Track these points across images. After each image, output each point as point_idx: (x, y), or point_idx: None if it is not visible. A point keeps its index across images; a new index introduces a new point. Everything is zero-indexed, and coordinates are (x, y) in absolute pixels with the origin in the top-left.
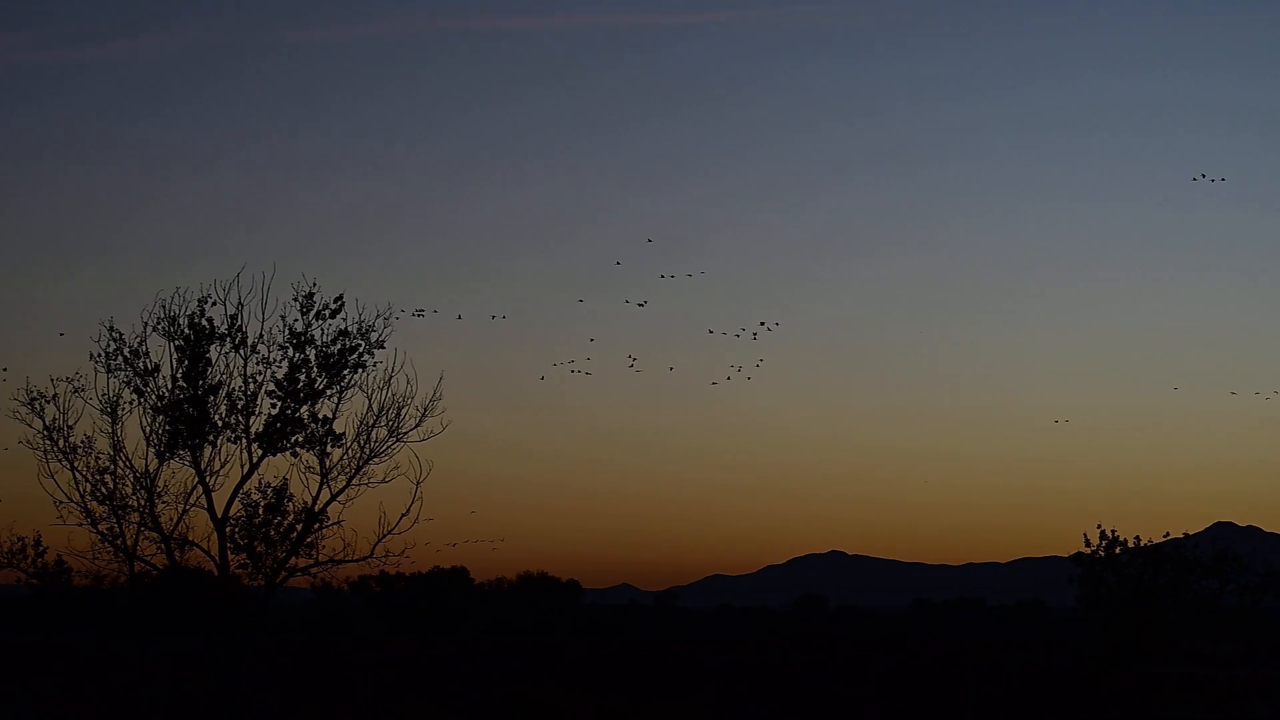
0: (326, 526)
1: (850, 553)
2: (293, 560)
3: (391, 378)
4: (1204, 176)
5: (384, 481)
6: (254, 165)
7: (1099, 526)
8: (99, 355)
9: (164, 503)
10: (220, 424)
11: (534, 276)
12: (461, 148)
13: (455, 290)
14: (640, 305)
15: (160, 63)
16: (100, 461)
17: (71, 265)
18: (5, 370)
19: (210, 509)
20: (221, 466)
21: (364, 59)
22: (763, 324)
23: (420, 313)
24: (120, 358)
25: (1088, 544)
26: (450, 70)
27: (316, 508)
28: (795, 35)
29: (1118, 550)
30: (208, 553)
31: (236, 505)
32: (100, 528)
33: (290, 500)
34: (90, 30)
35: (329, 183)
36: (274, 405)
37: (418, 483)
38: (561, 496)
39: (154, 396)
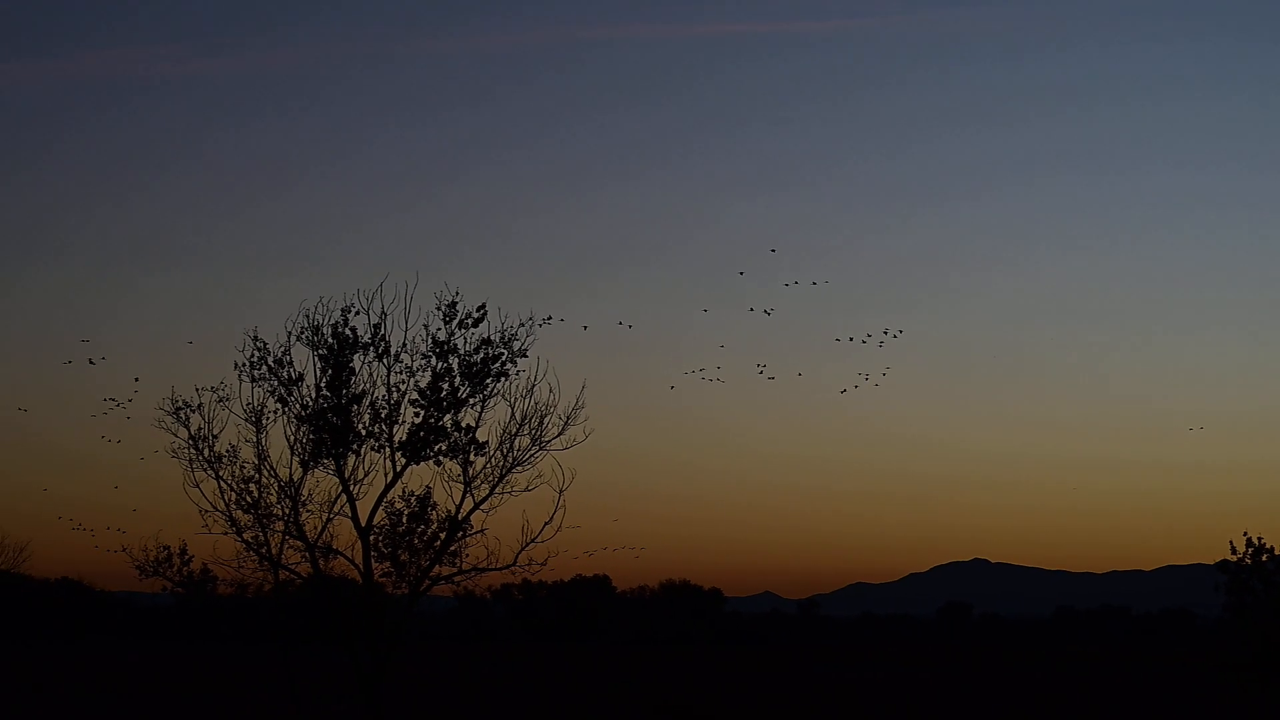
0: (470, 535)
1: (993, 560)
2: (436, 569)
3: (534, 386)
4: None
5: (527, 490)
6: (395, 174)
7: (1245, 533)
8: (243, 365)
9: (308, 511)
10: (364, 433)
11: (656, 285)
12: (584, 154)
13: (578, 297)
14: (767, 313)
15: (293, 71)
16: (245, 470)
17: (216, 274)
18: (138, 380)
19: (354, 517)
20: (365, 475)
21: (490, 67)
22: (886, 331)
23: (548, 320)
24: (264, 367)
25: (1233, 551)
26: (572, 78)
27: (460, 516)
28: (928, 41)
29: (1264, 558)
30: (352, 561)
31: (380, 514)
32: (245, 536)
33: (434, 509)
34: (222, 40)
35: (469, 190)
36: (417, 414)
37: (560, 491)
38: (701, 506)
39: (298, 405)
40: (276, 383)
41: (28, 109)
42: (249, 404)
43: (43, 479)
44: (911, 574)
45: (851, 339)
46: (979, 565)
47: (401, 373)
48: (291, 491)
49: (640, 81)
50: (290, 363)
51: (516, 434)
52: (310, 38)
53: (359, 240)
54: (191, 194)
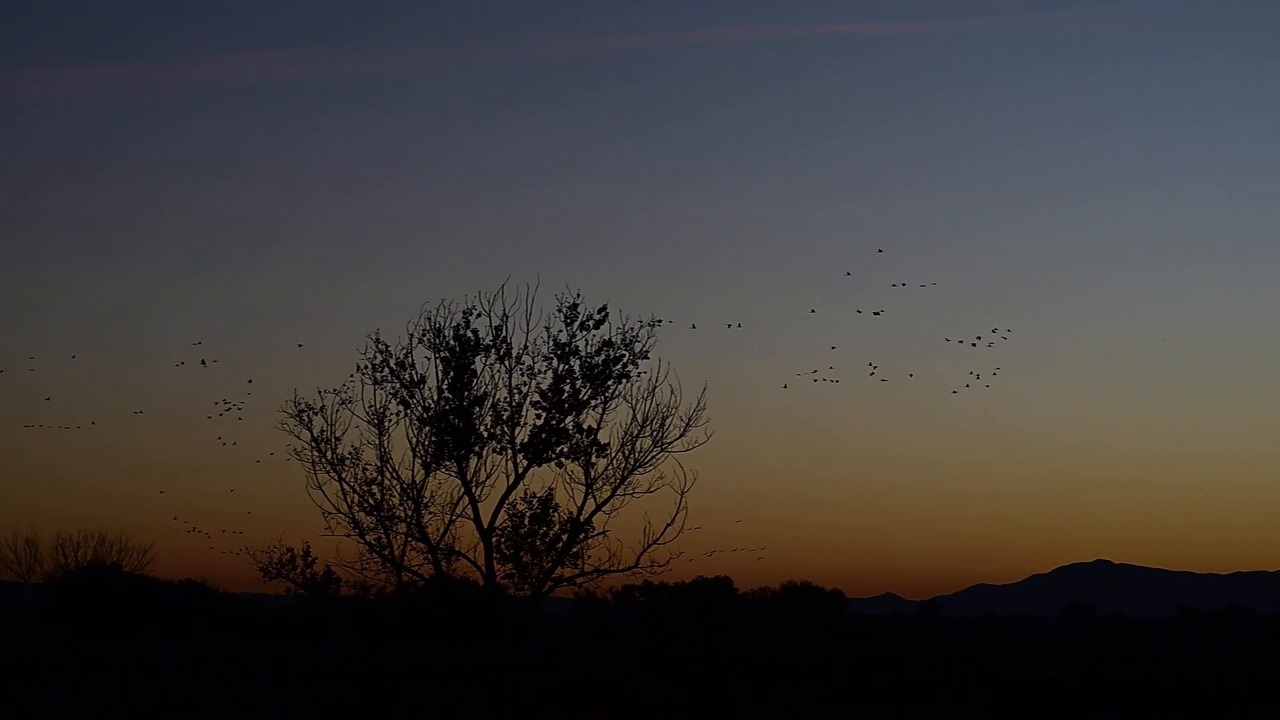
0: (592, 536)
1: (1116, 561)
2: (558, 570)
3: (655, 388)
4: None
5: (648, 491)
6: (515, 177)
7: None
8: (366, 367)
9: (430, 513)
10: (486, 435)
11: (763, 286)
12: (691, 153)
13: (685, 297)
14: (876, 314)
15: (405, 70)
16: (368, 472)
17: (337, 280)
18: (251, 381)
19: (476, 519)
20: (487, 477)
21: (599, 67)
22: (994, 330)
23: (658, 323)
24: (387, 369)
25: None
26: (680, 78)
27: (582, 518)
28: (1041, 41)
29: None
30: (474, 563)
31: (502, 516)
32: (368, 538)
33: (556, 510)
34: (371, 48)
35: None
36: (539, 416)
37: (682, 492)
38: (821, 508)
39: (420, 408)
40: (399, 385)
41: (140, 109)
42: (371, 406)
43: (159, 481)
44: (1034, 575)
45: (961, 340)
46: (1101, 566)
47: (523, 375)
48: (414, 493)
49: (747, 81)
50: (412, 365)
51: (638, 436)
52: (425, 36)
53: (480, 242)
54: (305, 194)
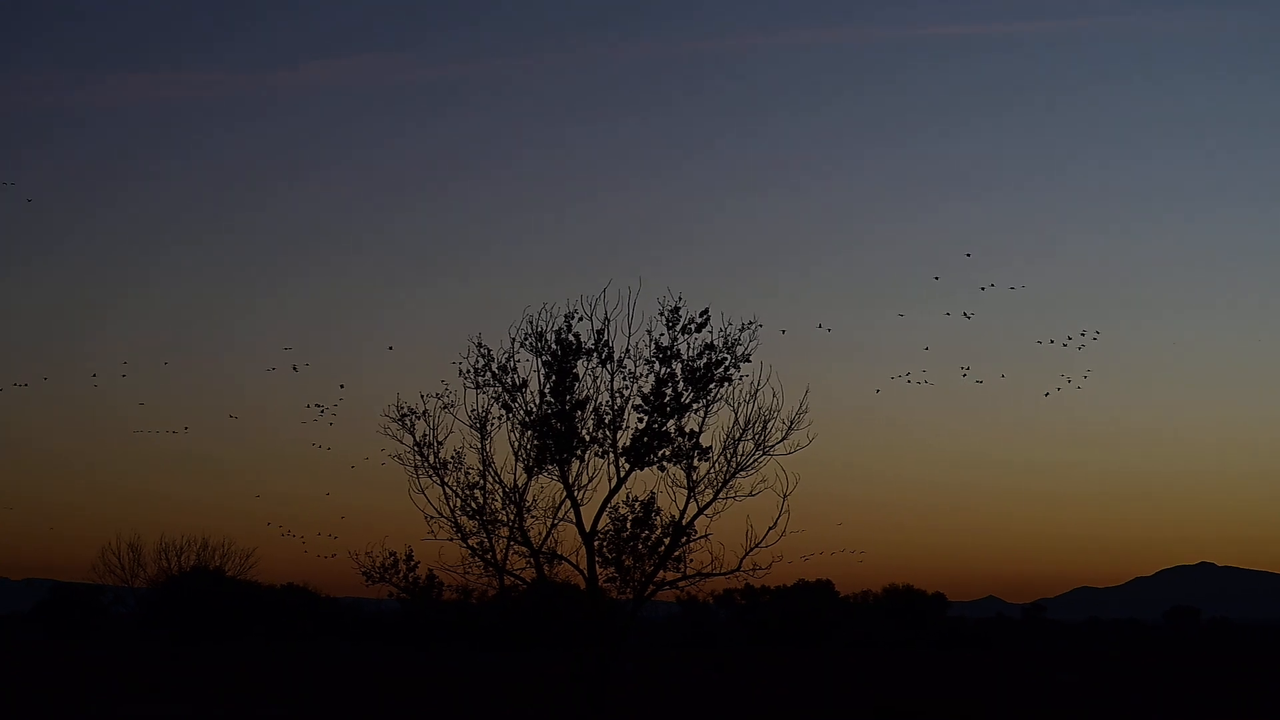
0: (694, 540)
1: (1220, 564)
2: (661, 574)
3: (757, 391)
4: None
5: (750, 495)
6: (614, 182)
7: None
8: (468, 371)
9: (533, 517)
10: (588, 438)
11: (850, 289)
12: (772, 155)
13: (773, 299)
14: (967, 316)
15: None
16: (470, 476)
17: (440, 281)
18: (343, 386)
19: (578, 523)
20: (589, 481)
21: (688, 68)
22: (1083, 333)
23: (751, 324)
24: (489, 374)
25: None
26: (771, 78)
27: (684, 521)
28: (1140, 44)
29: None
30: (576, 566)
31: (604, 519)
32: (471, 542)
33: (658, 514)
34: (461, 50)
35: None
36: (640, 420)
37: (784, 495)
38: (921, 512)
39: (522, 412)
40: (501, 389)
41: (228, 111)
42: (473, 410)
43: (255, 486)
44: (1137, 577)
45: (1053, 341)
46: (1205, 569)
47: (625, 378)
48: (516, 497)
49: (835, 83)
50: (514, 369)
51: (740, 439)
52: (520, 35)
53: (581, 245)
54: (395, 195)
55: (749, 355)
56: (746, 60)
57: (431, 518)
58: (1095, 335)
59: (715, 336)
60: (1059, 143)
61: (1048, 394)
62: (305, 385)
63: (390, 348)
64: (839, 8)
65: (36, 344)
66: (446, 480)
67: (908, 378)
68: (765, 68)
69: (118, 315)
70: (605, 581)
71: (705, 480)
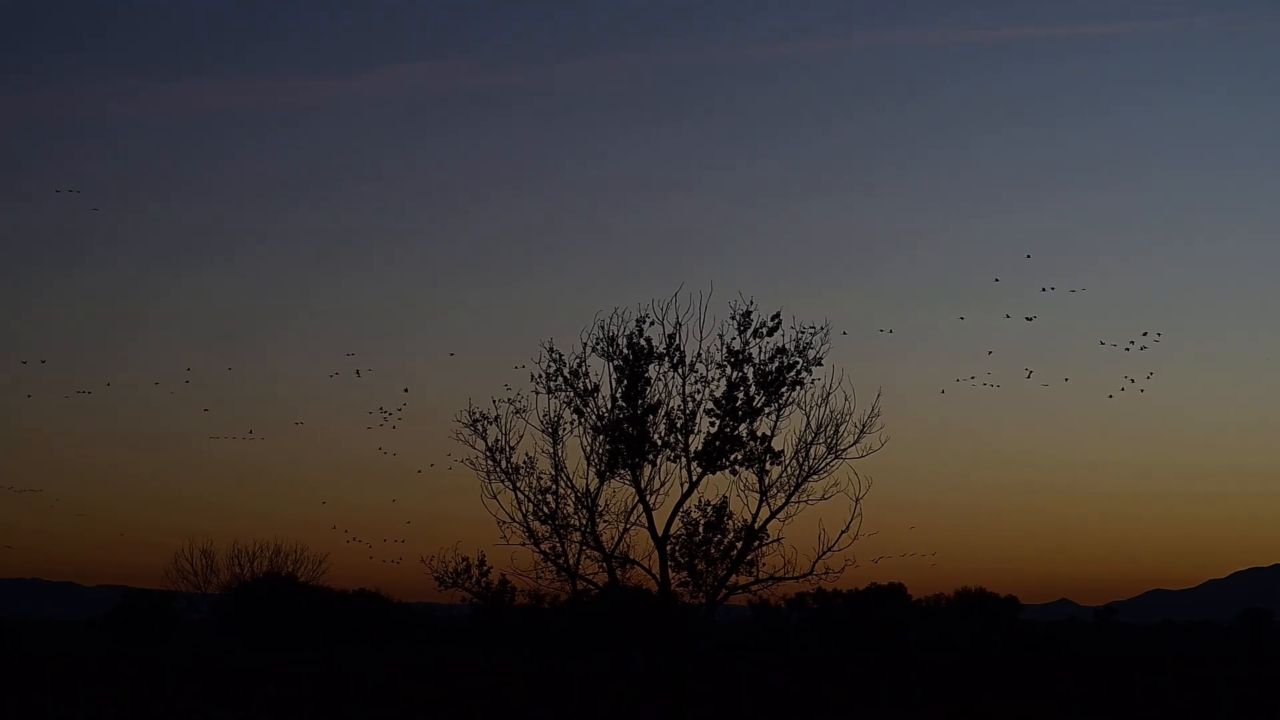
0: (766, 544)
1: None
2: (733, 578)
3: (829, 394)
4: None
5: (823, 499)
6: (685, 185)
7: None
8: (539, 376)
9: (605, 522)
10: (659, 443)
11: (910, 292)
12: (835, 157)
13: (831, 301)
14: (1029, 320)
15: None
16: (542, 481)
17: (509, 286)
18: (407, 390)
19: (650, 527)
20: (661, 485)
21: (750, 71)
22: (1145, 334)
23: (821, 328)
24: (560, 378)
25: None
26: (834, 80)
27: (756, 525)
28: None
29: None
30: (649, 571)
31: (677, 523)
32: (543, 547)
33: (730, 518)
34: (529, 53)
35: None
36: (713, 424)
37: (857, 499)
38: (994, 514)
39: (594, 416)
40: (572, 394)
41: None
42: (545, 415)
43: (321, 492)
44: (1210, 580)
45: (1115, 344)
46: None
47: (696, 382)
48: (588, 502)
49: (895, 84)
50: (586, 374)
51: (812, 442)
52: (590, 37)
53: (650, 250)
54: (458, 199)
55: (820, 359)
56: (815, 63)
57: (504, 523)
58: (1157, 337)
59: (787, 340)
60: (1120, 146)
61: (1111, 396)
62: (369, 391)
63: (451, 354)
64: (903, 11)
65: (99, 349)
66: (519, 485)
67: (972, 380)
68: (833, 70)
69: (179, 320)
70: (678, 586)
71: (777, 484)
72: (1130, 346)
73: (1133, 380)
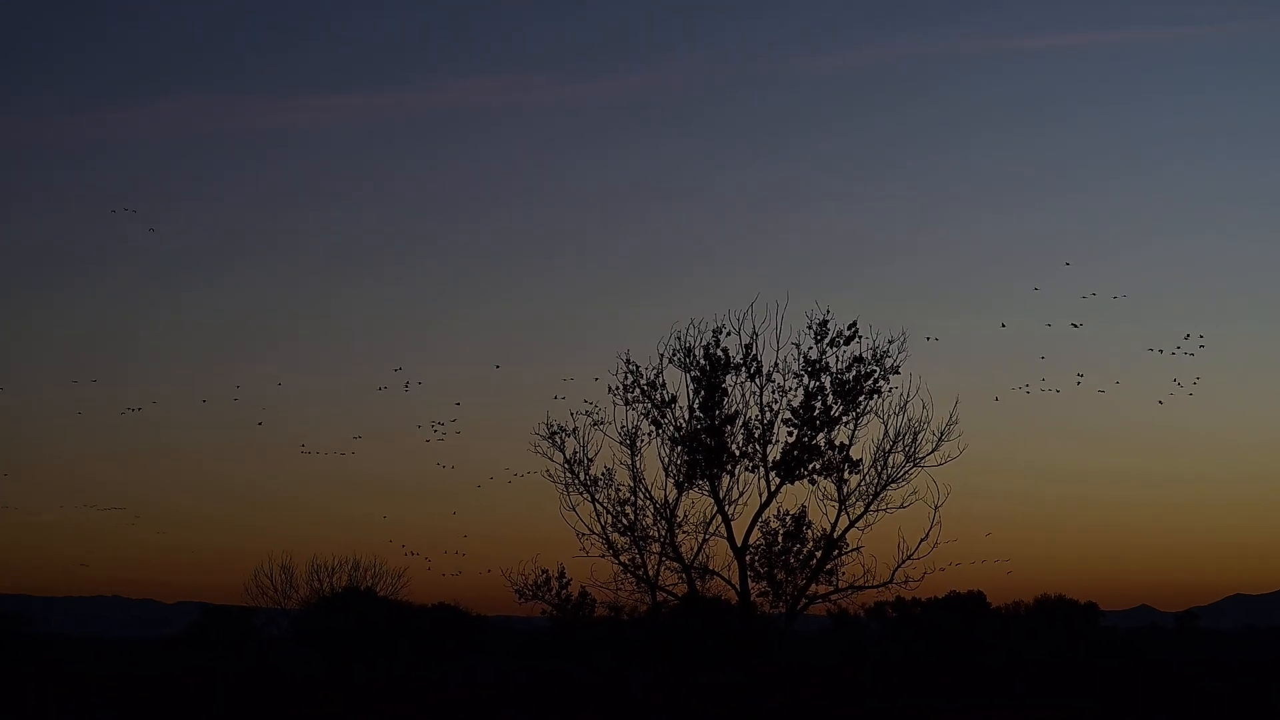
0: (845, 553)
1: None
2: (813, 587)
3: (907, 403)
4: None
5: (901, 507)
6: (755, 193)
7: None
8: (617, 388)
9: (684, 532)
10: (738, 453)
11: (950, 297)
12: (857, 157)
13: (871, 311)
14: (1075, 326)
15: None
16: (620, 493)
17: (589, 300)
18: (459, 404)
19: (729, 538)
20: (740, 495)
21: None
22: (1187, 337)
23: (899, 337)
24: (638, 390)
25: None
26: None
27: (835, 534)
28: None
29: None
30: (728, 581)
31: (756, 533)
32: (622, 558)
33: (809, 527)
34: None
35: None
36: (790, 433)
37: (936, 506)
38: (1073, 518)
39: (671, 428)
40: (650, 405)
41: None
42: (623, 427)
43: (381, 506)
44: None
45: (1161, 350)
46: None
47: (774, 392)
48: (667, 513)
49: (926, 92)
50: (663, 385)
51: (890, 451)
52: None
53: (728, 261)
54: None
55: (898, 367)
56: (866, 75)
57: (583, 534)
58: (1201, 341)
59: (864, 349)
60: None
61: (1161, 401)
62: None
63: (497, 366)
64: (935, 18)
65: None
66: (597, 497)
67: (1026, 388)
68: (913, 74)
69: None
70: (757, 596)
71: (856, 493)
72: (1176, 350)
73: (1179, 384)
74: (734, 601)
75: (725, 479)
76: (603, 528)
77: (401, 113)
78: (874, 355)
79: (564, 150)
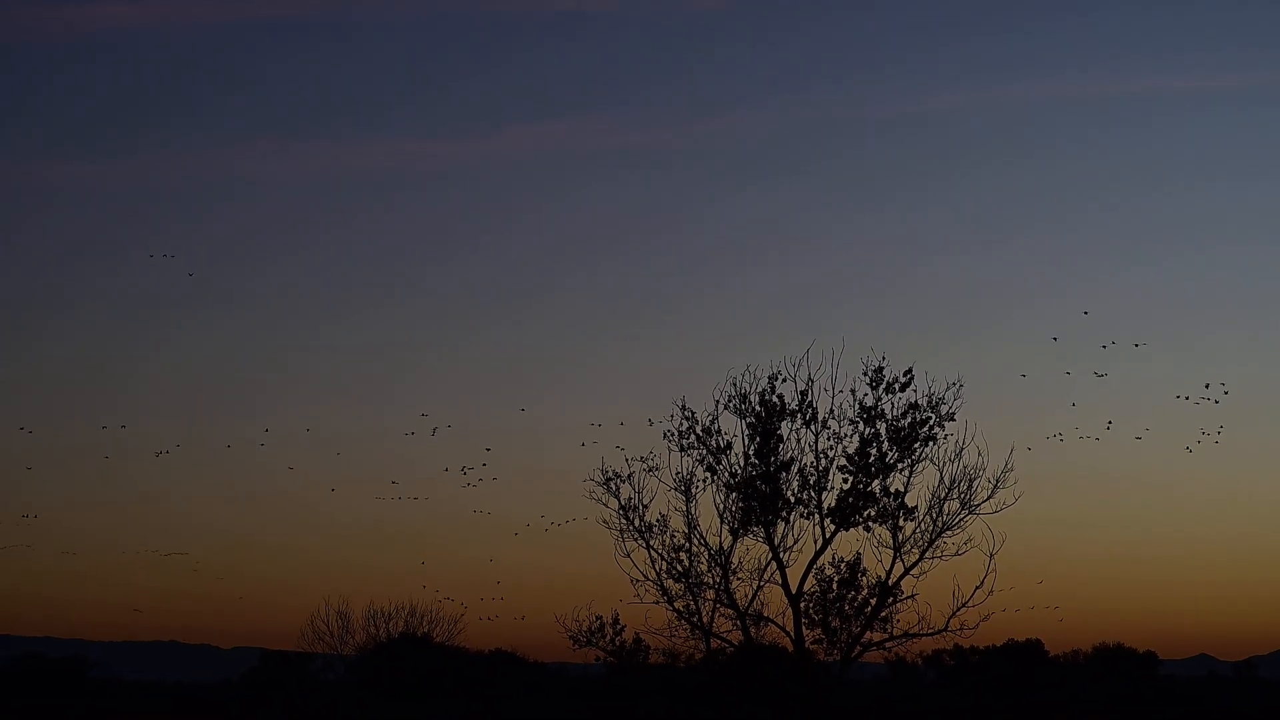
0: (900, 600)
1: None
2: (868, 635)
3: (962, 450)
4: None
5: (956, 554)
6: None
7: None
8: (672, 434)
9: (738, 579)
10: (792, 500)
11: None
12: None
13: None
14: (1100, 375)
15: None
16: (675, 539)
17: (641, 344)
18: (489, 450)
19: (784, 584)
20: (795, 542)
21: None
22: (1208, 386)
23: (954, 384)
24: (693, 436)
25: None
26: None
27: (890, 581)
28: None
29: None
30: (783, 628)
31: (810, 580)
32: (676, 605)
33: (864, 574)
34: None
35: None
36: (845, 480)
37: (991, 554)
38: (1128, 567)
39: (726, 474)
40: (705, 451)
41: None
42: (678, 473)
43: (419, 551)
44: None
45: (1187, 398)
46: None
47: (829, 439)
48: (721, 559)
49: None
50: (719, 431)
51: (945, 498)
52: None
53: (783, 310)
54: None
55: (954, 414)
56: (929, 121)
57: (638, 581)
58: (1223, 387)
59: (919, 396)
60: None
61: (1189, 449)
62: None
63: (522, 409)
64: (1033, 64)
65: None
66: (652, 543)
67: (1060, 437)
68: (961, 124)
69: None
70: (812, 643)
71: (911, 540)
72: (1201, 401)
73: (1205, 432)
74: (789, 649)
75: (780, 525)
76: (657, 574)
77: (492, 162)
78: (929, 402)
79: (635, 200)
